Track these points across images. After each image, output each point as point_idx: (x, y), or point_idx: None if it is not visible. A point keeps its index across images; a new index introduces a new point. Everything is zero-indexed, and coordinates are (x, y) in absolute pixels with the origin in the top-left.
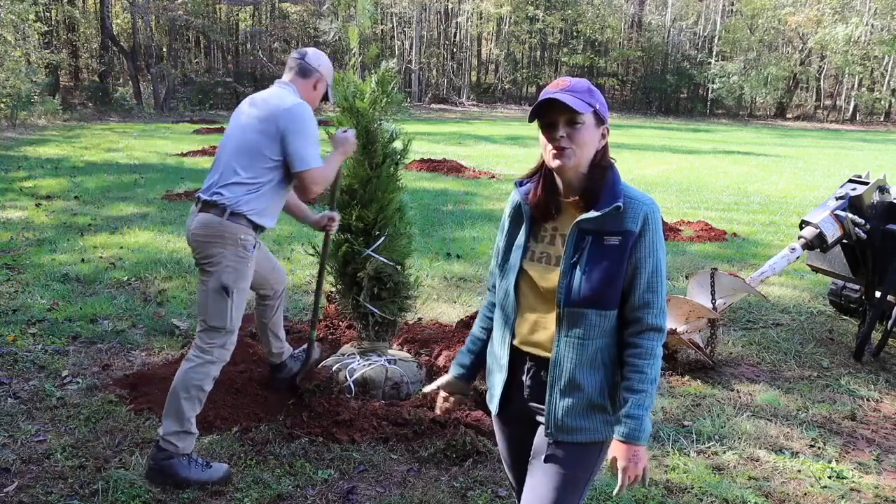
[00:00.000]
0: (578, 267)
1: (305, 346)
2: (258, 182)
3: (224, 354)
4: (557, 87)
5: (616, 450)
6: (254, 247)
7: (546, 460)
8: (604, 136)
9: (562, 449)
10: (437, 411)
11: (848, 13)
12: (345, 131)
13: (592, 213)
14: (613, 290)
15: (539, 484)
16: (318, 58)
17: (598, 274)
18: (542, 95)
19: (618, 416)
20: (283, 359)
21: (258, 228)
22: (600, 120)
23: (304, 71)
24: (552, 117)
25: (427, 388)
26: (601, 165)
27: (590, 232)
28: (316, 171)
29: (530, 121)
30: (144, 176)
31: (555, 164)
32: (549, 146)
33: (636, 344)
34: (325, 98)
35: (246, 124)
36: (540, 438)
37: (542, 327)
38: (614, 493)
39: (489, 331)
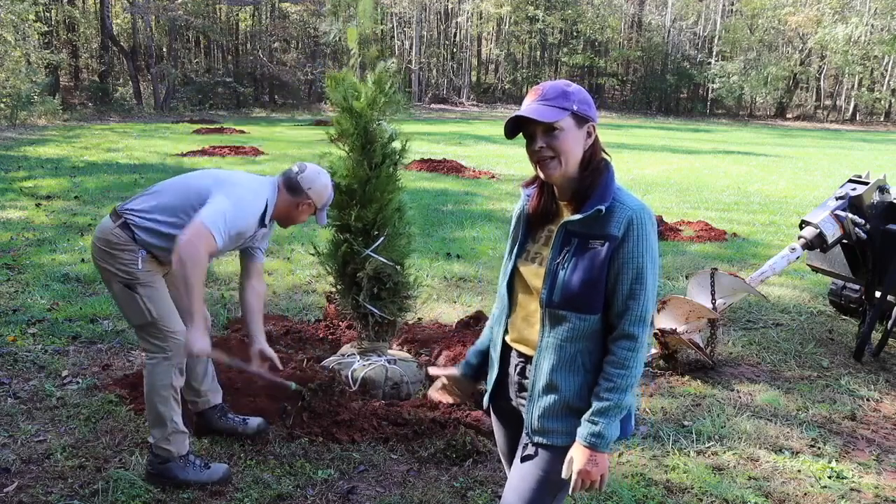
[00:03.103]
0: (561, 268)
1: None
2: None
3: (174, 345)
4: (531, 98)
5: (575, 451)
6: (146, 251)
7: (523, 459)
8: (589, 134)
9: (539, 449)
10: (430, 395)
11: (848, 13)
12: (193, 350)
13: (577, 216)
14: (594, 294)
15: (515, 481)
16: (312, 179)
17: (579, 277)
18: (515, 112)
19: (582, 418)
20: (202, 409)
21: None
22: (582, 120)
23: (293, 188)
24: (530, 129)
25: (432, 371)
26: (592, 167)
27: (576, 234)
28: (206, 237)
29: (508, 138)
30: (144, 176)
31: (541, 174)
32: (533, 158)
33: (612, 351)
34: (314, 216)
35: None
36: (524, 436)
37: (530, 325)
38: (570, 491)
39: (488, 342)
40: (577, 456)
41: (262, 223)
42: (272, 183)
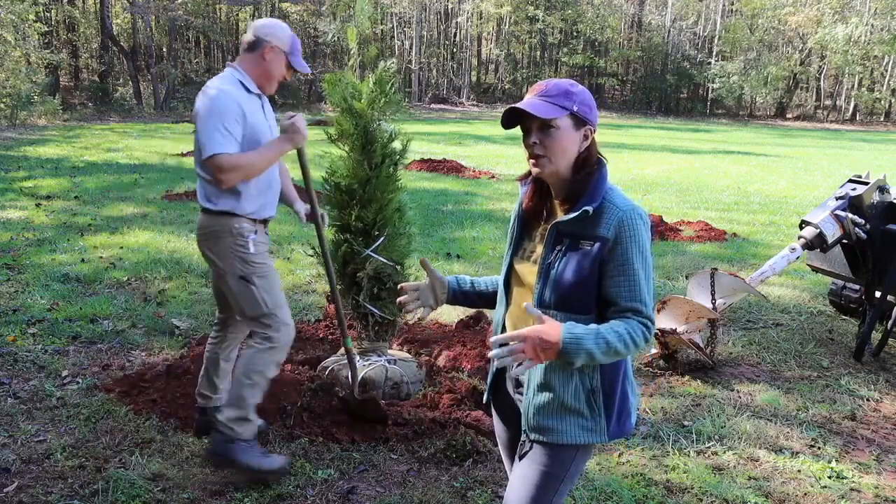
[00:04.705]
0: (552, 268)
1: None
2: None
3: (283, 337)
4: (532, 93)
5: (549, 326)
6: (254, 233)
7: (522, 457)
8: (586, 137)
9: (538, 446)
10: (405, 286)
11: (848, 13)
12: (291, 117)
13: (566, 216)
14: (584, 295)
15: (517, 479)
16: (265, 26)
17: (569, 278)
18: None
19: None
20: (210, 406)
21: (254, 220)
22: (581, 122)
23: (251, 44)
24: (527, 123)
25: (424, 261)
26: (586, 170)
27: (567, 235)
28: (220, 159)
29: (504, 128)
30: (144, 176)
31: (533, 171)
32: (527, 153)
33: (626, 322)
34: (292, 69)
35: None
36: (522, 434)
37: (526, 322)
38: (499, 338)
39: (483, 286)
40: (547, 330)
41: (248, 92)
42: (230, 69)
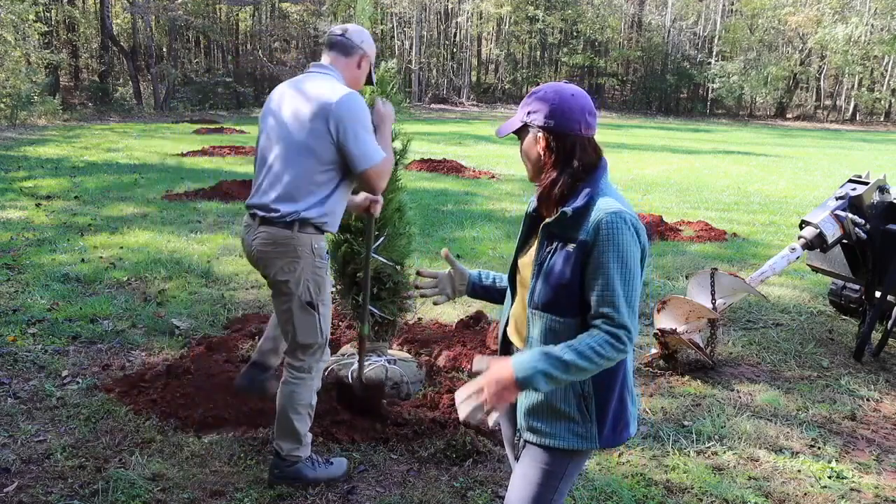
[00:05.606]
0: (542, 269)
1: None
2: (320, 190)
3: (321, 365)
4: None
5: (501, 366)
6: (327, 252)
7: (521, 458)
8: (538, 142)
9: (533, 447)
10: (424, 271)
11: (848, 13)
12: (384, 102)
13: (551, 217)
14: (566, 297)
15: (517, 479)
16: (360, 34)
17: (554, 279)
18: None
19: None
20: (275, 365)
21: (325, 233)
22: (534, 128)
23: (347, 48)
24: None
25: (445, 252)
26: (542, 172)
27: (557, 236)
28: (382, 164)
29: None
30: (144, 176)
31: None
32: None
33: (594, 332)
34: (369, 80)
35: (290, 123)
36: (518, 433)
37: (525, 319)
38: (459, 394)
39: (505, 283)
40: (494, 367)
41: None
42: (328, 71)
